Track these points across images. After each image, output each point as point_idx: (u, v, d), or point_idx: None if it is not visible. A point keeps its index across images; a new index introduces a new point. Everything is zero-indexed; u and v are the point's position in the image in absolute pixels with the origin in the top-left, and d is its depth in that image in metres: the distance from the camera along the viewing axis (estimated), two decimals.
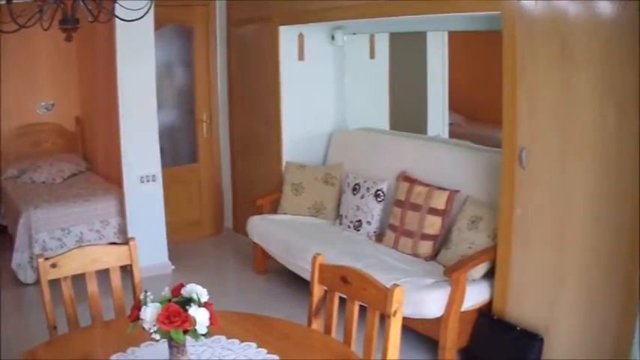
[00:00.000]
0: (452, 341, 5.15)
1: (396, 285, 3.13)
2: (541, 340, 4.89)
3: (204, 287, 2.90)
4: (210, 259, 8.51)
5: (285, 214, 7.42)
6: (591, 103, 4.47)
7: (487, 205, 5.64)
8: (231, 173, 9.17)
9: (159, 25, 7.62)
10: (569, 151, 4.63)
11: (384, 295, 3.15)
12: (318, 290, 3.63)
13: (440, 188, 6.07)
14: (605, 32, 4.33)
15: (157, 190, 7.68)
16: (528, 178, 4.92)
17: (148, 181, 7.58)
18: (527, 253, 5.02)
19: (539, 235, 4.92)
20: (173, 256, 7.91)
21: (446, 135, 7.50)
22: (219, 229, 9.41)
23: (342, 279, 3.47)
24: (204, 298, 2.87)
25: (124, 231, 7.65)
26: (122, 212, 7.66)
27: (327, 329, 3.57)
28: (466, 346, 5.36)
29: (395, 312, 3.10)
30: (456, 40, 7.20)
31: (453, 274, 5.08)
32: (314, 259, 3.67)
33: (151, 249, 7.31)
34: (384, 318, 3.18)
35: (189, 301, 2.83)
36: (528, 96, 4.83)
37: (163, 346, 2.94)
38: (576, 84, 4.53)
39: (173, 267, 7.82)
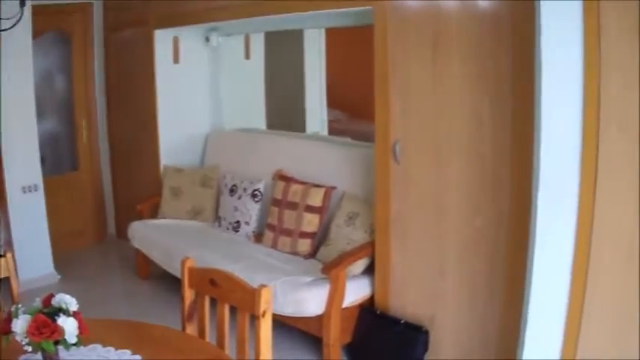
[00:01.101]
0: (335, 338, 4.98)
1: (263, 285, 2.99)
2: (426, 332, 4.77)
3: (89, 295, 2.72)
4: (96, 267, 8.14)
5: (164, 218, 7.16)
6: (465, 96, 4.36)
7: (364, 200, 5.51)
8: (112, 179, 8.86)
9: (37, 33, 7.22)
10: (443, 143, 4.52)
11: (252, 296, 3.00)
12: (189, 294, 3.44)
13: (316, 185, 5.90)
14: (479, 27, 4.23)
15: (39, 199, 7.29)
16: (403, 172, 4.78)
17: (30, 191, 7.17)
18: (406, 246, 4.89)
19: (417, 229, 4.79)
20: (59, 265, 7.53)
21: (325, 132, 7.38)
22: (104, 236, 9.05)
23: (211, 282, 3.30)
24: (73, 307, 2.72)
25: (8, 243, 7.18)
26: (6, 224, 7.19)
27: (201, 333, 3.40)
28: (351, 342, 5.20)
29: (264, 312, 2.97)
30: (336, 36, 7.11)
31: (331, 271, 4.91)
32: (183, 263, 3.46)
33: (36, 260, 7.05)
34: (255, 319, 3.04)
35: (58, 311, 2.68)
36: (401, 90, 4.70)
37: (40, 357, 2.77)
38: (449, 78, 4.42)
39: (59, 277, 7.43)
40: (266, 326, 3.00)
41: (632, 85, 3.30)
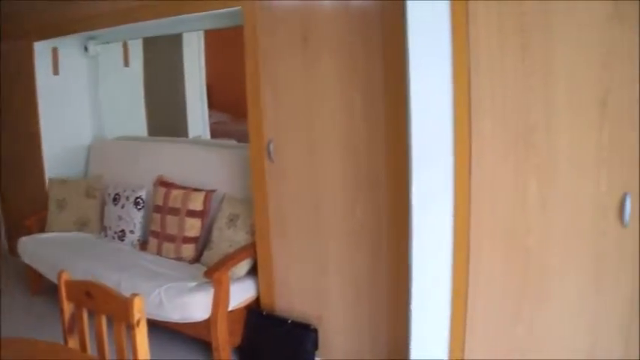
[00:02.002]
0: (224, 341, 4.83)
1: (135, 294, 2.85)
2: (315, 330, 4.67)
3: None
4: None
5: (52, 231, 6.84)
6: (337, 92, 4.27)
7: (244, 201, 5.36)
8: (1, 196, 8.49)
9: None
10: (317, 141, 4.42)
11: (126, 305, 2.86)
12: (67, 307, 3.28)
13: (196, 190, 5.74)
14: (349, 24, 4.14)
15: None
16: (279, 171, 4.67)
17: None
18: (287, 245, 4.76)
19: (297, 227, 4.68)
20: None
21: (208, 135, 7.24)
22: None
23: (86, 294, 3.12)
24: None
25: None
26: None
27: (82, 345, 3.25)
28: (241, 345, 5.05)
29: (138, 321, 2.84)
30: (216, 38, 6.97)
31: (214, 274, 4.74)
32: (59, 276, 3.28)
33: None
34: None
35: None
36: (273, 90, 4.58)
37: None
38: (321, 75, 4.32)
39: None
40: (142, 335, 2.88)
41: (501, 77, 3.26)
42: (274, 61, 4.55)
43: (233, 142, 6.51)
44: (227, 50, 7.02)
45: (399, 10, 3.64)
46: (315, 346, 4.69)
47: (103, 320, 3.13)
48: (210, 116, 7.48)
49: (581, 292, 3.31)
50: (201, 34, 7.03)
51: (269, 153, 4.67)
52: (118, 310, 2.96)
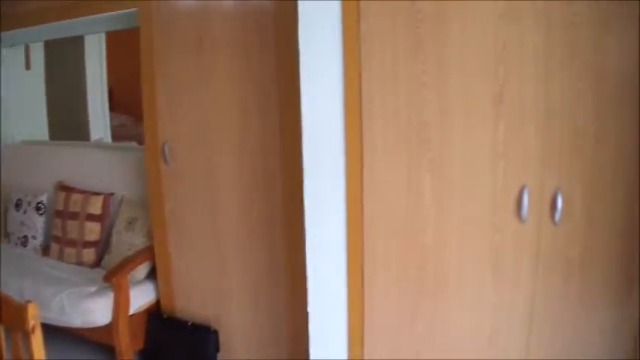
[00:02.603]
0: (126, 346, 4.64)
1: (28, 301, 2.68)
2: (215, 332, 4.54)
3: None
4: None
5: None
6: (231, 93, 4.15)
7: (141, 204, 5.19)
8: None
9: None
10: (212, 141, 4.28)
11: (20, 312, 2.70)
12: None
13: (96, 193, 5.53)
14: (243, 24, 4.02)
15: None
16: (175, 173, 4.51)
17: None
18: (185, 247, 4.61)
19: (194, 228, 4.53)
20: None
21: (109, 138, 7.06)
22: None
23: None
24: None
25: None
26: None
27: None
28: (144, 348, 4.88)
29: (33, 328, 2.68)
30: (118, 40, 6.80)
31: (112, 279, 4.56)
32: None
33: None
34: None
35: None
36: (168, 90, 4.43)
37: None
38: (215, 74, 4.18)
39: None
40: (37, 342, 2.72)
41: (394, 75, 3.17)
42: (170, 62, 4.40)
43: (133, 145, 6.34)
44: (129, 52, 6.87)
45: (291, 9, 3.53)
46: (217, 347, 4.56)
47: (1, 330, 2.96)
48: (112, 119, 7.31)
49: (480, 288, 3.23)
50: (103, 36, 6.84)
51: (164, 155, 4.51)
52: (13, 317, 2.80)
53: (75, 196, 5.60)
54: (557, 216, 3.05)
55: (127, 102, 7.46)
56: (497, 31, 2.98)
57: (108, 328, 4.67)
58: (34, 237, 6.00)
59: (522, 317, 3.22)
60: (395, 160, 3.24)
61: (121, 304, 4.60)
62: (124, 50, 6.92)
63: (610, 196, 3.04)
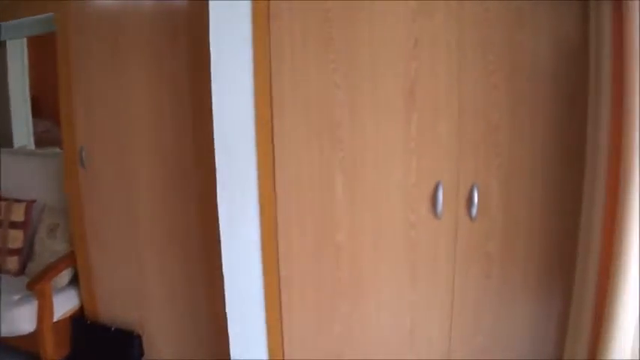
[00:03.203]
0: (52, 353, 4.49)
1: None
2: (138, 336, 4.41)
3: None
4: None
5: None
6: (145, 93, 4.03)
7: (63, 210, 5.01)
8: None
9: None
10: (128, 144, 4.16)
11: None
12: None
13: (18, 200, 5.34)
14: (156, 23, 3.92)
15: None
16: (92, 177, 4.38)
17: None
18: (105, 251, 4.48)
19: (113, 232, 4.40)
20: None
21: (32, 145, 6.89)
22: None
23: None
24: None
25: None
26: None
27: None
28: (69, 355, 4.72)
29: None
30: (41, 44, 6.64)
31: (35, 286, 4.41)
32: None
33: None
34: None
35: None
36: (85, 95, 4.30)
37: None
38: (130, 77, 4.06)
39: None
40: None
41: (304, 74, 3.12)
42: (87, 65, 4.28)
43: (56, 150, 6.21)
44: (52, 57, 6.75)
45: (203, 9, 3.44)
46: (141, 352, 4.45)
47: None
48: (37, 124, 7.11)
49: (397, 287, 3.19)
50: (24, 41, 6.68)
51: (81, 160, 4.40)
52: None
53: None
54: (474, 211, 3.02)
55: (51, 107, 7.30)
56: (410, 29, 2.94)
57: (33, 336, 4.52)
58: None
59: (442, 313, 3.19)
60: (308, 159, 3.17)
61: (45, 311, 4.46)
62: (47, 55, 6.79)
63: (528, 191, 3.02)
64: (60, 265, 4.67)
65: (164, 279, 4.25)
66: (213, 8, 3.20)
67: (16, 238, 5.22)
